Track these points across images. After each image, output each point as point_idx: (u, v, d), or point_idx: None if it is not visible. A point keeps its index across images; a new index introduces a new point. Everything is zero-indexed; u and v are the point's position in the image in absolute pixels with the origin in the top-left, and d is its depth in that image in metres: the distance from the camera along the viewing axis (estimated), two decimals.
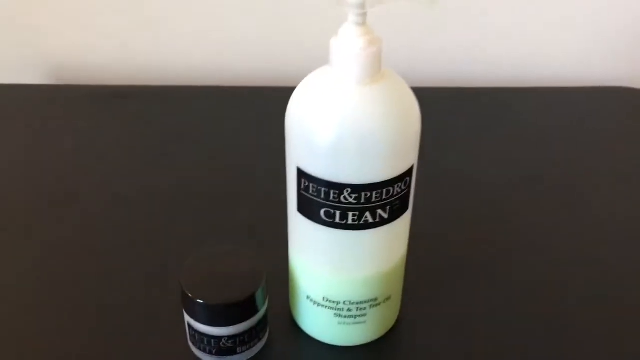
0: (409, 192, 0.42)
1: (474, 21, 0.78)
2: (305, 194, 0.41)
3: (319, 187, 0.40)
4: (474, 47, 0.80)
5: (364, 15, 0.37)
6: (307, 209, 0.42)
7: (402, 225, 0.44)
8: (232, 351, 0.46)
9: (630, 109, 0.78)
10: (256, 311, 0.45)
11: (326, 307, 0.46)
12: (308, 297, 0.47)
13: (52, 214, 0.60)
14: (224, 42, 0.79)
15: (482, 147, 0.70)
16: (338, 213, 0.41)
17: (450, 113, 0.75)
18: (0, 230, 0.58)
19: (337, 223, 0.41)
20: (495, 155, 0.69)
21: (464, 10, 0.76)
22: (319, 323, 0.48)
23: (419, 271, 0.51)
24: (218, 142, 0.70)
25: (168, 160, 0.67)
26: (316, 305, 0.46)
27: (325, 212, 0.41)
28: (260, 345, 0.48)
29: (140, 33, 0.79)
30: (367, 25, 0.38)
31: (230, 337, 0.45)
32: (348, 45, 0.38)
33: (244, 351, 0.46)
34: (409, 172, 0.41)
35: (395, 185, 0.40)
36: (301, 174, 0.41)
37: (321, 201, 0.40)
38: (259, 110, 0.73)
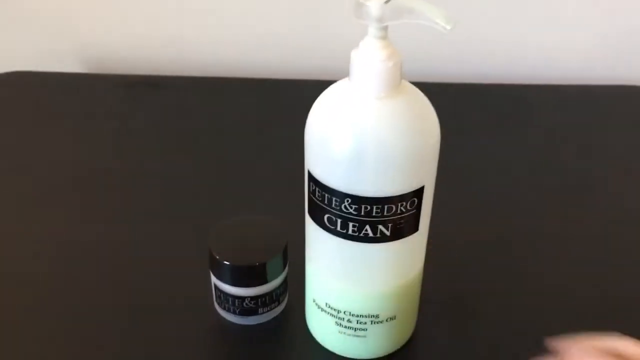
0: (418, 214, 0.41)
1: (485, 16, 0.80)
2: (313, 197, 0.42)
3: (322, 193, 0.41)
4: (484, 41, 0.82)
5: (384, 29, 0.37)
6: (314, 213, 0.43)
7: (409, 246, 0.43)
8: (254, 312, 0.50)
9: None
10: (276, 275, 0.49)
11: (328, 313, 0.47)
12: (314, 301, 0.48)
13: (90, 189, 0.65)
14: (251, 40, 0.83)
15: (495, 143, 0.71)
16: (339, 221, 0.41)
17: (461, 108, 0.75)
18: (43, 200, 0.63)
19: (338, 231, 0.42)
20: (506, 152, 0.70)
21: (476, 9, 0.78)
22: (322, 328, 0.49)
23: (440, 296, 0.51)
24: (241, 128, 0.73)
25: (198, 144, 0.70)
26: (320, 309, 0.47)
27: (328, 219, 0.42)
28: (279, 309, 0.51)
29: (173, 26, 0.83)
30: (388, 39, 0.38)
31: (252, 298, 0.49)
32: (367, 58, 0.38)
33: (265, 312, 0.50)
34: (416, 193, 0.40)
35: (399, 204, 0.40)
36: (310, 177, 0.42)
37: (324, 207, 0.41)
38: (282, 100, 0.77)
